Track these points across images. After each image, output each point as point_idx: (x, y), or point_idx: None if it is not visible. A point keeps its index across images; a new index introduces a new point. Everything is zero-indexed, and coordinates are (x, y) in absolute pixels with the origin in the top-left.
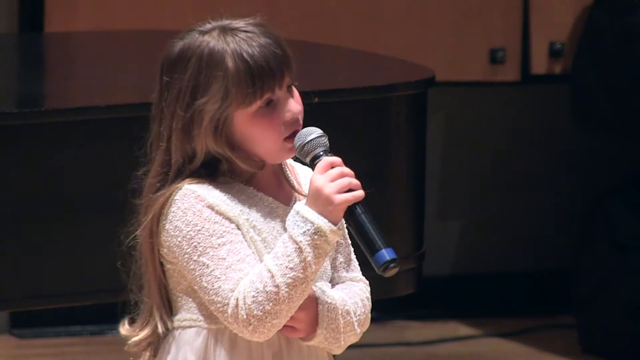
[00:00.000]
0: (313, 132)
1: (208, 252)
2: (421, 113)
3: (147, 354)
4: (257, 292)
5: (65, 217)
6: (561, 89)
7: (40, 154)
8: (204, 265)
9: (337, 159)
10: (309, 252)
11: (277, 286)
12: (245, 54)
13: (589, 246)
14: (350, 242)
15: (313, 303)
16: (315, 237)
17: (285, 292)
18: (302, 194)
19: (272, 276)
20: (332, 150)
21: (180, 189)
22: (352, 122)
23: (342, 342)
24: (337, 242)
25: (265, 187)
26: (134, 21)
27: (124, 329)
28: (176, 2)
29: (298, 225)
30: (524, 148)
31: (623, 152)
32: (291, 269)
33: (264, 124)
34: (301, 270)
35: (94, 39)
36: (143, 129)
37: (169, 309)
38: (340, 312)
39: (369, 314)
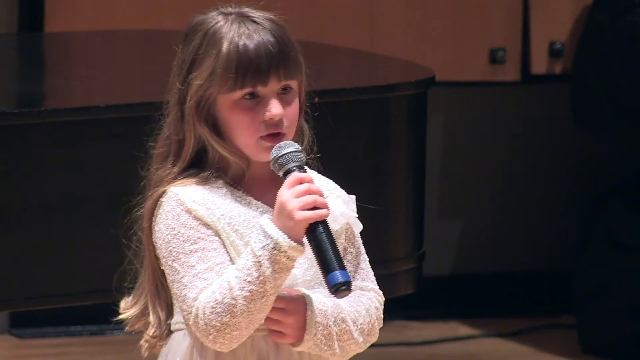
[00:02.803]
0: (289, 146)
1: (180, 258)
2: (421, 113)
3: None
4: (216, 304)
5: (65, 217)
6: (561, 89)
7: (40, 154)
8: (175, 271)
9: (307, 176)
10: (268, 267)
11: (234, 299)
12: (240, 42)
13: (589, 246)
14: (362, 251)
15: (302, 309)
16: (275, 252)
17: (243, 305)
18: None
19: (231, 288)
20: (332, 150)
21: (168, 191)
22: (352, 122)
23: (338, 351)
24: (346, 249)
25: (257, 190)
26: (134, 21)
27: (124, 301)
28: (176, 2)
29: (259, 239)
30: (524, 148)
31: (623, 152)
32: (249, 282)
33: (242, 115)
34: (259, 285)
35: (94, 39)
36: (144, 129)
37: (167, 306)
38: (333, 319)
39: (376, 324)
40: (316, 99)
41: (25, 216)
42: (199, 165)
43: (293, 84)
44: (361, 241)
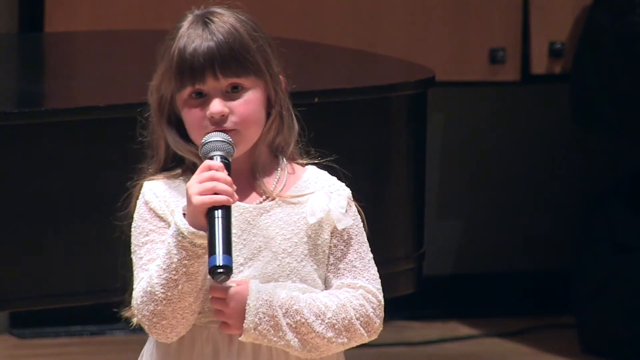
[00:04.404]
0: (216, 136)
1: (135, 250)
2: (421, 113)
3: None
4: (144, 293)
5: (65, 217)
6: (561, 89)
7: (40, 154)
8: (131, 262)
9: (216, 164)
10: (175, 254)
11: (152, 287)
12: (185, 43)
13: (589, 246)
14: (357, 248)
15: (244, 298)
16: (179, 238)
17: (161, 293)
18: (277, 195)
19: (151, 277)
20: (333, 149)
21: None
22: (352, 122)
23: (295, 343)
24: (335, 246)
25: None
26: (134, 21)
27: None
28: (176, 2)
29: (171, 227)
30: (524, 148)
31: (623, 152)
32: (164, 270)
33: (190, 113)
34: (172, 272)
35: (94, 39)
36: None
37: None
38: (283, 310)
39: (358, 322)
40: (316, 99)
41: (25, 216)
42: (180, 163)
43: (243, 82)
44: (363, 240)
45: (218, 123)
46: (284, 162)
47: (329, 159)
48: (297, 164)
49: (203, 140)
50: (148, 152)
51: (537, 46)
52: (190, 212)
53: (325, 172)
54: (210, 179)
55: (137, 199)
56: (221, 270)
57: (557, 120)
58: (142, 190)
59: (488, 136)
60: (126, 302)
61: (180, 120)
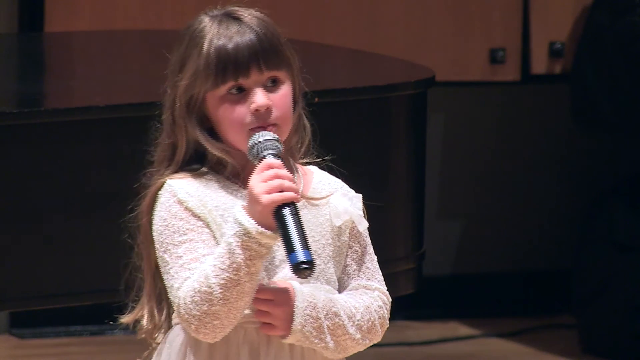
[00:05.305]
0: (264, 135)
1: (170, 249)
2: (421, 113)
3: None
4: (195, 292)
5: (64, 217)
6: (561, 89)
7: (40, 154)
8: (165, 262)
9: (276, 162)
10: (239, 254)
11: (210, 287)
12: (220, 39)
13: (589, 246)
14: (369, 250)
15: (290, 300)
16: (245, 238)
17: (219, 293)
18: (304, 196)
19: (207, 277)
20: (332, 149)
21: (164, 183)
22: (352, 122)
23: (331, 345)
24: (351, 248)
25: None
26: (134, 21)
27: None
28: (176, 2)
29: (232, 227)
30: (524, 148)
31: (623, 152)
32: (223, 270)
33: (229, 110)
34: (233, 272)
35: (94, 39)
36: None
37: (167, 305)
38: (324, 312)
39: (378, 323)
40: (316, 99)
41: (25, 216)
42: (200, 162)
43: (280, 75)
44: (369, 241)
45: (263, 117)
46: (291, 162)
47: (326, 157)
48: (299, 163)
49: (251, 142)
50: (158, 151)
51: (537, 46)
52: (257, 212)
53: (326, 173)
54: (275, 177)
55: (153, 196)
56: (305, 266)
57: (557, 120)
58: (169, 189)
59: (488, 136)
60: (128, 305)
61: (204, 120)
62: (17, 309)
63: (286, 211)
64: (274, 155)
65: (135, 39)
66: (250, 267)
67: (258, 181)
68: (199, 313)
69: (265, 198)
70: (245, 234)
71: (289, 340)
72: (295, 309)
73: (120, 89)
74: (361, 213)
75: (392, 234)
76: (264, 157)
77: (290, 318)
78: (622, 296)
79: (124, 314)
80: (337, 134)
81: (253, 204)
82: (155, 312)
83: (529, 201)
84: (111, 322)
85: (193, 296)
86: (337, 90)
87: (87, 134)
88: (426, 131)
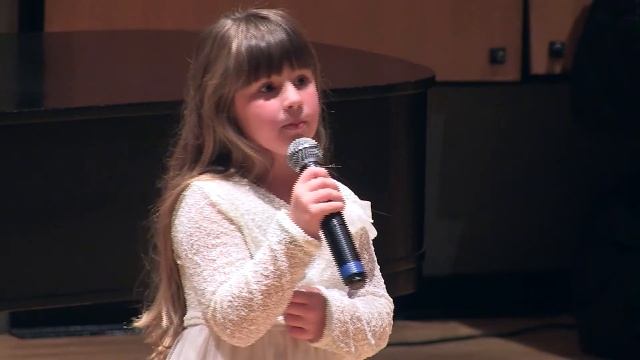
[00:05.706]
0: (305, 142)
1: (202, 252)
2: (421, 113)
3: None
4: (233, 297)
5: (65, 217)
6: (561, 89)
7: (40, 154)
8: (196, 264)
9: (322, 170)
10: (284, 261)
11: (250, 292)
12: (250, 37)
13: (589, 246)
14: (374, 258)
15: (322, 304)
16: (290, 246)
17: (260, 299)
18: None
19: (248, 282)
20: (333, 149)
21: (191, 184)
22: (352, 122)
23: (352, 349)
24: (361, 256)
25: (279, 188)
26: (134, 21)
27: (139, 319)
28: (176, 2)
29: (275, 234)
30: (524, 148)
31: (623, 152)
32: (266, 276)
33: (261, 107)
34: (276, 279)
35: (94, 39)
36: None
37: (180, 306)
38: (350, 316)
39: (387, 329)
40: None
41: (25, 216)
42: (223, 166)
43: (307, 73)
44: (374, 248)
45: (295, 114)
46: None
47: (330, 165)
48: None
49: (292, 149)
50: (176, 153)
51: (537, 46)
52: (303, 220)
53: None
54: (322, 186)
55: (177, 197)
56: (358, 277)
57: (557, 120)
58: (199, 190)
59: (488, 136)
60: (141, 309)
61: (230, 121)
62: (17, 309)
63: (335, 221)
64: (315, 162)
65: (135, 39)
66: (293, 275)
67: (305, 189)
68: (236, 318)
69: (314, 207)
70: (292, 241)
71: (318, 344)
72: (327, 314)
73: (120, 89)
74: (371, 221)
75: (392, 234)
76: (306, 165)
77: (321, 322)
78: (622, 296)
79: (137, 317)
80: (337, 134)
81: (300, 212)
82: (172, 314)
83: (529, 201)
84: (125, 327)
85: (231, 301)
86: (337, 90)
87: (87, 134)
88: (426, 131)
